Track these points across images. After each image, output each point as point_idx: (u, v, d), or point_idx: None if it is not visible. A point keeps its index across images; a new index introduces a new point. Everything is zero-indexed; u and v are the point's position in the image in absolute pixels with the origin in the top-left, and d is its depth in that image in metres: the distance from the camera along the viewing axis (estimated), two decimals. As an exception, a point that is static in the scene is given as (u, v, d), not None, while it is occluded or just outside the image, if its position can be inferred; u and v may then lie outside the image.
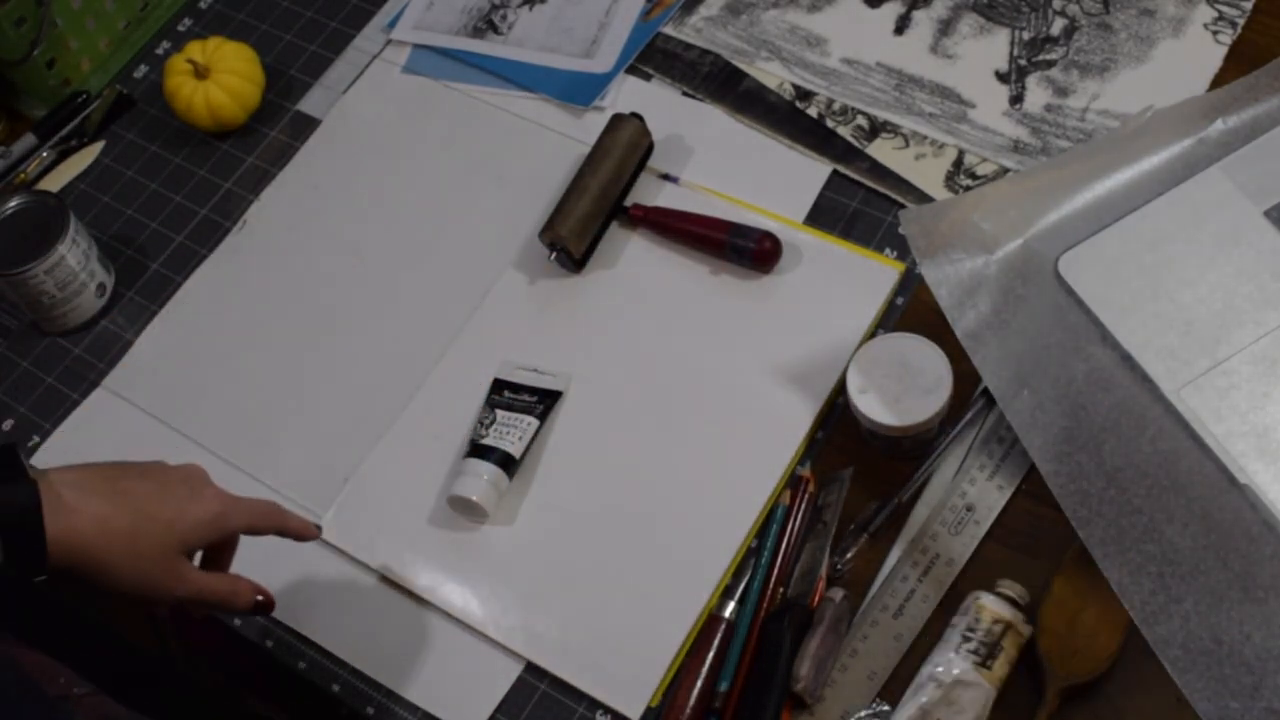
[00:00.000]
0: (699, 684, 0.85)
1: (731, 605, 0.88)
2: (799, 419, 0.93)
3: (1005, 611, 0.80)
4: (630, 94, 1.11)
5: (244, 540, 0.82)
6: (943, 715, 0.78)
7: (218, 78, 1.12)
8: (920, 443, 0.89)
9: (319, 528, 0.86)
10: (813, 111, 1.06)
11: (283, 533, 0.83)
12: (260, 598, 0.82)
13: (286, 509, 0.84)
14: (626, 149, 1.04)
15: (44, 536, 0.70)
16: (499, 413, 0.95)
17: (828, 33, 1.10)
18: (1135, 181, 0.89)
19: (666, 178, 1.06)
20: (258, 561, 0.91)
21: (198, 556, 0.80)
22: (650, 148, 1.06)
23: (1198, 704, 0.73)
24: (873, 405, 0.86)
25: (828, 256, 1.00)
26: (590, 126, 1.08)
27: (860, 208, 1.02)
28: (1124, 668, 0.81)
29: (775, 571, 0.88)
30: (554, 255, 1.01)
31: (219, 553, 0.82)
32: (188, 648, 0.95)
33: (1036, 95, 1.04)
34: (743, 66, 1.10)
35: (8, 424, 1.05)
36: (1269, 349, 0.82)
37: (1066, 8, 1.07)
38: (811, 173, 1.04)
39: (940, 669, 0.80)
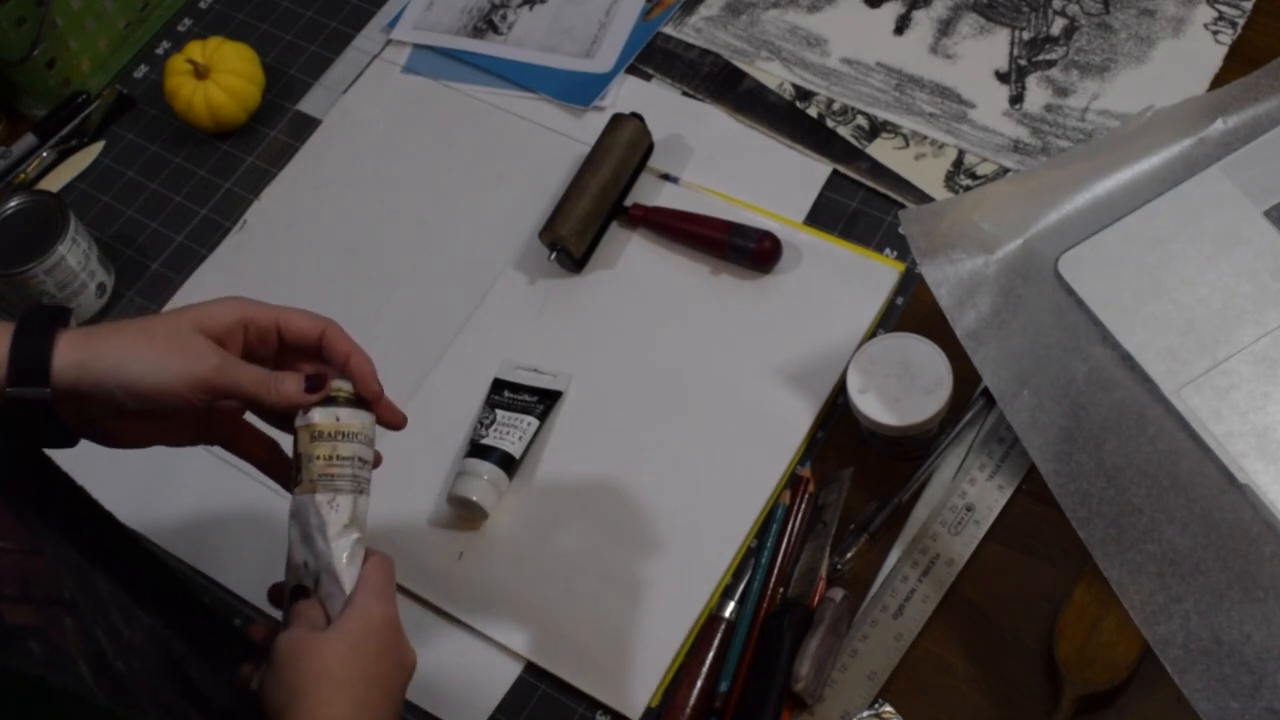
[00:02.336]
0: (699, 684, 0.85)
1: (731, 605, 0.88)
2: (799, 419, 0.93)
3: None
4: (630, 94, 1.11)
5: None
6: None
7: (218, 78, 1.12)
8: (920, 443, 0.89)
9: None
10: (813, 111, 1.06)
11: (334, 353, 0.74)
12: (317, 383, 0.72)
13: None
14: (626, 149, 1.04)
15: (50, 348, 0.68)
16: (499, 413, 0.95)
17: (828, 33, 1.10)
18: (1135, 181, 0.89)
19: (666, 178, 1.06)
20: (257, 561, 0.91)
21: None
22: (650, 148, 1.06)
23: (1198, 704, 0.73)
24: (873, 405, 0.86)
25: (828, 256, 1.00)
26: (590, 126, 1.08)
27: (860, 208, 1.02)
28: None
29: (775, 571, 0.88)
30: (554, 255, 1.01)
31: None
32: None
33: (1036, 95, 1.04)
34: (743, 66, 1.10)
35: (8, 424, 1.05)
36: (1269, 349, 0.82)
37: (1066, 8, 1.07)
38: (811, 173, 1.04)
39: None
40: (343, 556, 0.70)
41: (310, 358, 0.76)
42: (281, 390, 0.72)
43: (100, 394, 0.70)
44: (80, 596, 0.57)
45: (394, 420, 0.76)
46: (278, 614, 0.74)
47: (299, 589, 0.72)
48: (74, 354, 0.69)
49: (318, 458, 0.71)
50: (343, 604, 0.70)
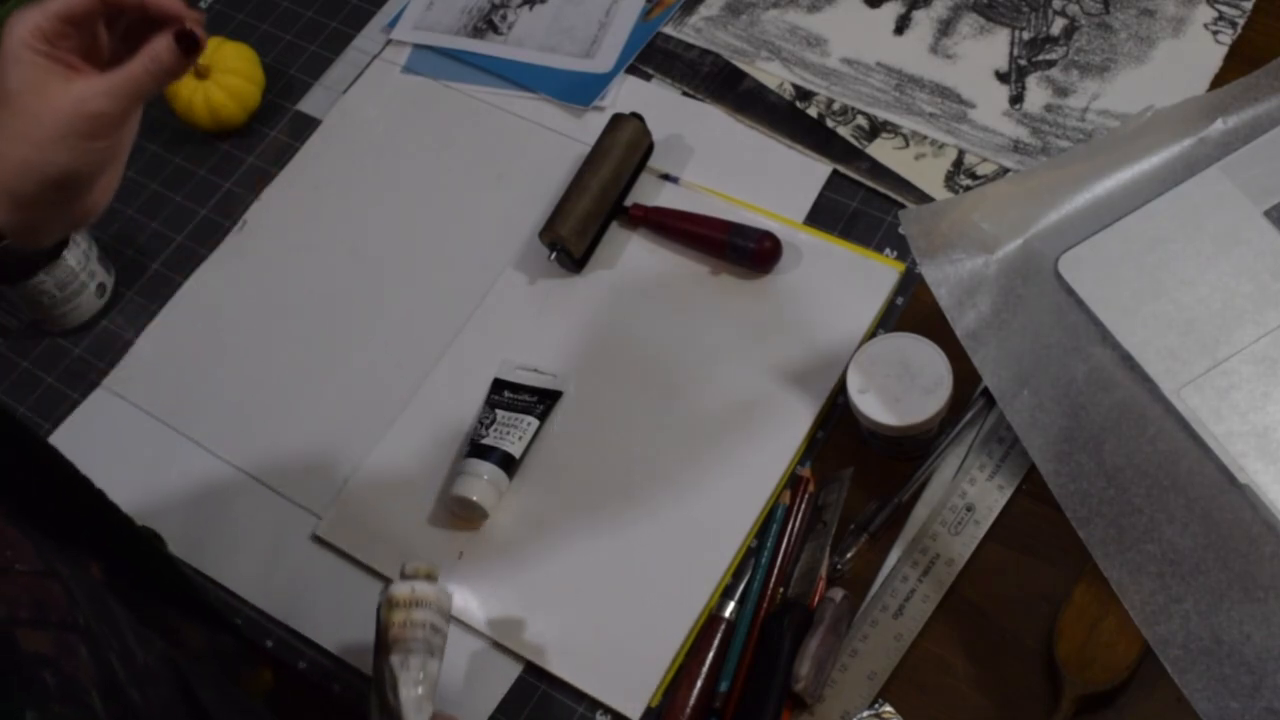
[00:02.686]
0: (699, 684, 0.85)
1: (731, 605, 0.88)
2: (799, 419, 0.93)
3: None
4: (630, 94, 1.11)
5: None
6: None
7: (218, 78, 1.12)
8: (920, 443, 0.89)
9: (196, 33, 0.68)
10: (813, 111, 1.06)
11: (144, 6, 0.68)
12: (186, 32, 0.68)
13: None
14: (626, 149, 1.04)
15: None
16: (499, 413, 0.95)
17: (828, 33, 1.10)
18: (1135, 181, 0.89)
19: (666, 178, 1.06)
20: (257, 560, 0.91)
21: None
22: (650, 148, 1.06)
23: (1198, 704, 0.73)
24: (873, 405, 0.86)
25: (828, 256, 1.00)
26: (590, 126, 1.08)
27: (860, 208, 1.02)
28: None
29: (775, 571, 0.88)
30: (554, 255, 1.01)
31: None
32: None
33: (1036, 95, 1.04)
34: (743, 66, 1.10)
35: (8, 424, 1.05)
36: (1269, 349, 0.82)
37: (1066, 8, 1.07)
38: (811, 173, 1.04)
39: None
40: (411, 711, 0.77)
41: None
42: (163, 65, 0.68)
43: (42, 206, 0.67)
44: (95, 621, 0.57)
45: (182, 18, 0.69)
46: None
47: None
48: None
49: (393, 624, 0.79)
50: None
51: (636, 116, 1.05)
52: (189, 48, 0.68)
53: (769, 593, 0.87)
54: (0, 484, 0.62)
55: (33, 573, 0.55)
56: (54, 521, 0.65)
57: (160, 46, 0.67)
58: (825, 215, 1.02)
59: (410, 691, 0.77)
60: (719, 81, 1.10)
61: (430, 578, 0.82)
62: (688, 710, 0.84)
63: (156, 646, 0.63)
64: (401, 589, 0.80)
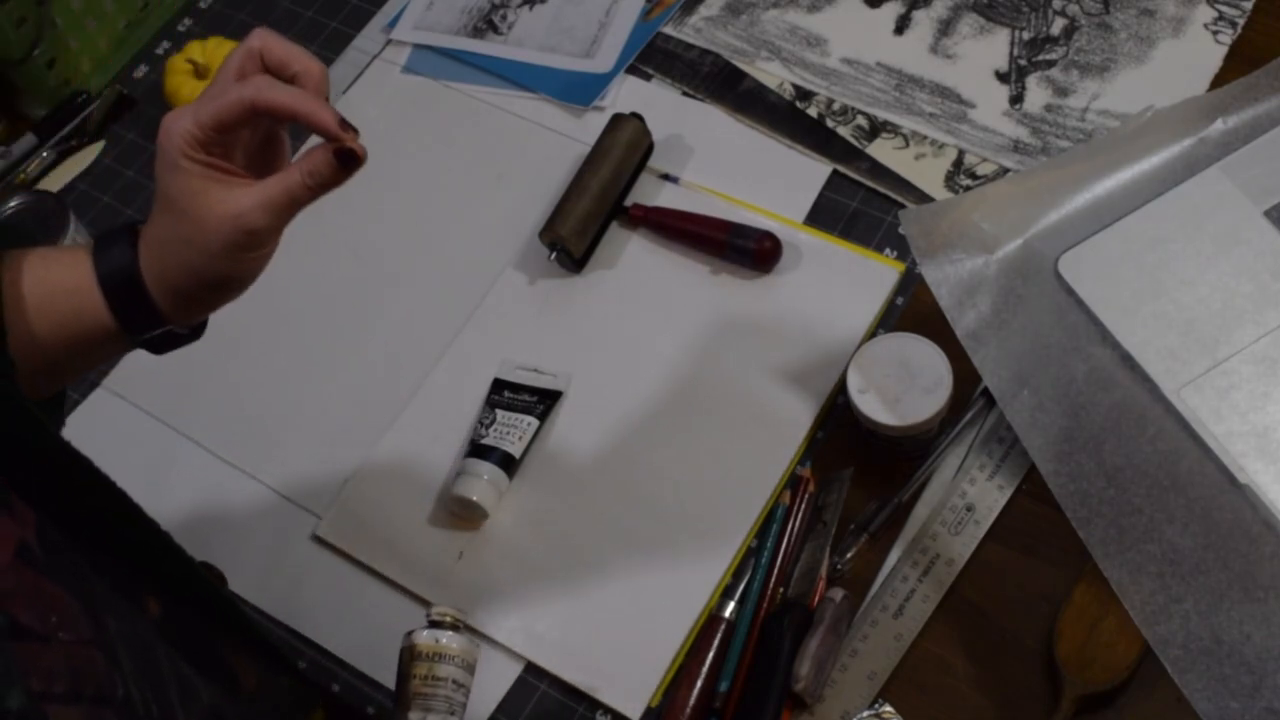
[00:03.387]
0: (699, 684, 0.85)
1: (731, 605, 0.88)
2: (799, 419, 0.93)
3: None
4: (630, 94, 1.11)
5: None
6: None
7: (218, 78, 1.12)
8: (920, 443, 0.89)
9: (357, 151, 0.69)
10: (813, 111, 1.06)
11: (270, 110, 0.66)
12: (342, 148, 0.68)
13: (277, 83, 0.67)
14: (626, 149, 1.04)
15: (143, 286, 0.69)
16: (499, 413, 0.95)
17: (828, 33, 1.10)
18: (1135, 181, 0.89)
19: (666, 178, 1.06)
20: (257, 561, 0.91)
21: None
22: (650, 148, 1.06)
23: (1198, 704, 0.73)
24: (873, 405, 0.86)
25: (828, 256, 1.00)
26: (590, 126, 1.08)
27: (860, 208, 1.02)
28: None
29: (775, 571, 0.88)
30: (554, 255, 1.01)
31: (256, 152, 0.72)
32: None
33: (1036, 95, 1.04)
34: (743, 66, 1.10)
35: (8, 424, 1.05)
36: (1269, 349, 0.82)
37: (1066, 8, 1.07)
38: (811, 173, 1.04)
39: None
40: None
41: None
42: (316, 176, 0.69)
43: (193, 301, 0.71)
44: (135, 684, 0.57)
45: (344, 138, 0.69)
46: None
47: None
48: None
49: (415, 676, 0.77)
50: None
51: (636, 116, 1.05)
52: (347, 162, 0.68)
53: (769, 593, 0.87)
54: (66, 523, 0.62)
55: (76, 641, 0.55)
56: (114, 558, 0.66)
57: (320, 161, 0.68)
58: (825, 215, 1.02)
59: None
60: (719, 81, 1.10)
61: (457, 626, 0.80)
62: (688, 710, 0.84)
63: (202, 700, 0.63)
64: (425, 640, 0.78)
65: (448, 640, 0.78)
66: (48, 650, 0.52)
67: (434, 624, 0.80)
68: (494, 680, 0.89)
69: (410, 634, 0.79)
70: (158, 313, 0.71)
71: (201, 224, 0.68)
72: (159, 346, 0.74)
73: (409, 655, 0.78)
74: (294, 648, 0.93)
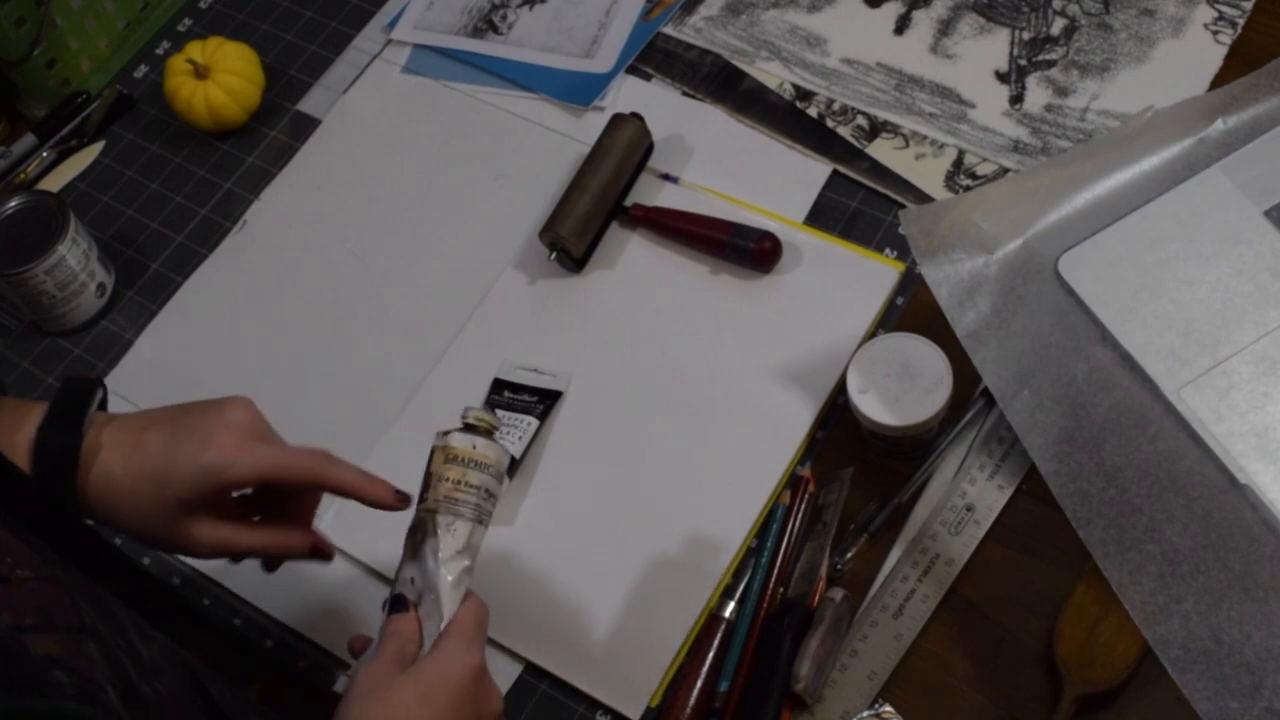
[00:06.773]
0: (699, 684, 0.85)
1: (731, 605, 0.88)
2: (799, 419, 0.93)
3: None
4: (630, 94, 1.11)
5: None
6: None
7: (218, 78, 1.12)
8: (920, 443, 0.89)
9: (399, 493, 0.78)
10: (813, 111, 1.06)
11: (334, 488, 0.76)
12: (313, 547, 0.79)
13: (338, 459, 0.77)
14: (626, 149, 1.04)
15: (73, 485, 0.72)
16: (499, 413, 0.95)
17: (828, 33, 1.10)
18: (1135, 181, 0.89)
19: (666, 178, 1.06)
20: (254, 561, 0.91)
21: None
22: (650, 148, 1.06)
23: (1198, 704, 0.73)
24: (873, 405, 0.86)
25: (828, 256, 1.00)
26: (590, 126, 1.08)
27: (860, 208, 1.02)
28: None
29: (775, 571, 0.88)
30: (554, 255, 1.01)
31: (274, 500, 0.79)
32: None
33: (1036, 95, 1.04)
34: (743, 66, 1.10)
35: (8, 424, 1.05)
36: (1269, 349, 0.82)
37: (1066, 8, 1.07)
38: (811, 173, 1.04)
39: None
40: (449, 580, 0.72)
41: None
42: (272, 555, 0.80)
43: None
44: (100, 622, 0.58)
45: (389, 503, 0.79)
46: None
47: (400, 599, 0.72)
48: (85, 504, 0.74)
49: (447, 480, 0.72)
50: (438, 629, 0.71)
51: (636, 116, 1.05)
52: (316, 555, 0.80)
53: (769, 593, 0.87)
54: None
55: (35, 578, 0.55)
56: (49, 536, 0.66)
57: (296, 542, 0.79)
58: (825, 215, 1.02)
59: (452, 563, 0.71)
60: (719, 81, 1.10)
61: (491, 433, 0.74)
62: (688, 710, 0.84)
63: (160, 642, 0.64)
64: (463, 443, 0.72)
65: (484, 448, 0.72)
66: (9, 589, 0.53)
67: (469, 428, 0.73)
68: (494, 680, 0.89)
69: (446, 434, 0.73)
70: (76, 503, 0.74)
71: (191, 537, 0.75)
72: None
73: (441, 456, 0.73)
74: (294, 648, 0.93)
